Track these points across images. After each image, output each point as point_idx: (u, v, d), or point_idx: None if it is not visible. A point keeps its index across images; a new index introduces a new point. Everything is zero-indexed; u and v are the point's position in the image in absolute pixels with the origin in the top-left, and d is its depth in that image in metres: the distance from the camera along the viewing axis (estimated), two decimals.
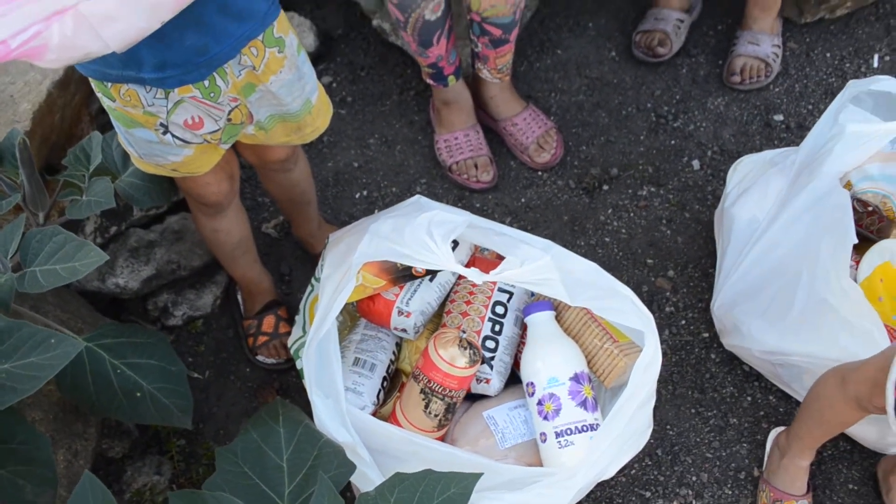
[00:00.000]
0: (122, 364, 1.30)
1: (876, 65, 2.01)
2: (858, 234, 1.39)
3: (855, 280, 1.37)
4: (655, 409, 1.34)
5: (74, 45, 0.82)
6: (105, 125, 1.73)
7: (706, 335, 1.62)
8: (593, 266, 1.29)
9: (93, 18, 0.80)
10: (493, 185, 1.82)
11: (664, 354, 1.59)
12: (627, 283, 1.63)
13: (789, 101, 1.93)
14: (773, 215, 1.43)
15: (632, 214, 1.78)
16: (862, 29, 2.05)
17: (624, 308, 1.26)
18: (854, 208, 1.39)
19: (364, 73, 2.02)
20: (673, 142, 1.87)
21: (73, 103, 1.72)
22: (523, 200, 1.81)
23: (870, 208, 1.42)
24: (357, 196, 1.84)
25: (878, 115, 1.44)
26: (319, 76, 2.00)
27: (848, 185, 1.42)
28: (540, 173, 1.84)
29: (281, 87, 1.22)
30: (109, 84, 1.11)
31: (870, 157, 1.38)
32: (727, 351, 1.57)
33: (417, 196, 1.37)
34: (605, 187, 1.82)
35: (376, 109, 1.96)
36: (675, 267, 1.71)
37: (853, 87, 1.45)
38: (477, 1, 1.57)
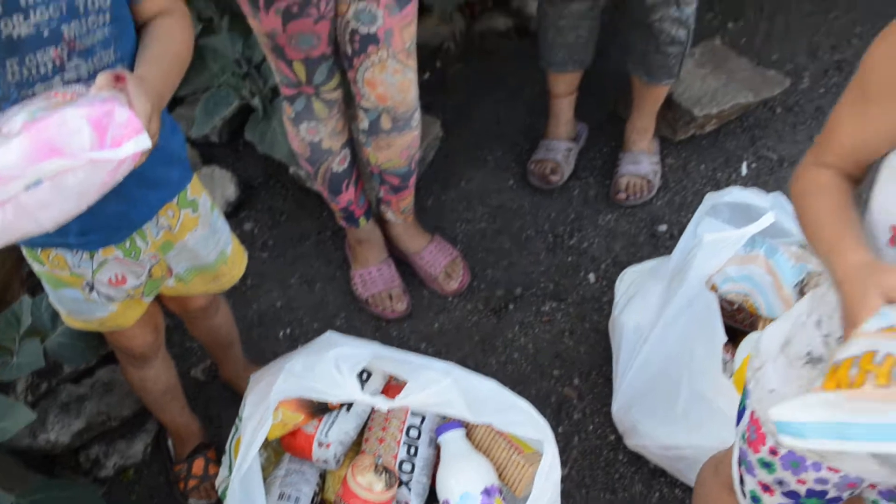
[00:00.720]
0: None
1: (744, 172, 2.24)
2: (734, 329, 1.55)
3: (732, 371, 1.51)
4: None
5: (15, 228, 0.93)
6: (35, 287, 1.83)
7: (612, 437, 1.73)
8: (492, 383, 1.40)
9: (30, 207, 0.92)
10: (407, 314, 1.95)
11: (575, 460, 1.70)
12: (536, 395, 1.77)
13: (671, 212, 2.14)
14: (654, 321, 1.58)
15: (537, 330, 1.92)
16: (730, 141, 2.30)
17: (522, 420, 1.37)
18: (723, 307, 1.56)
19: (283, 218, 2.17)
20: (570, 259, 2.05)
21: (4, 269, 1.81)
22: (437, 326, 1.94)
23: (735, 306, 1.59)
24: (280, 335, 1.95)
25: (734, 221, 1.63)
26: (241, 223, 2.15)
27: (713, 288, 1.59)
28: (450, 299, 1.98)
29: (196, 242, 1.34)
30: (38, 250, 1.22)
31: (728, 260, 1.56)
32: (633, 451, 1.68)
33: (329, 332, 1.48)
34: (511, 306, 1.96)
35: (296, 251, 2.10)
36: (579, 375, 1.84)
37: (709, 199, 1.65)
38: (374, 157, 1.75)
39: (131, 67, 1.08)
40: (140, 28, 1.11)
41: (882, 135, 0.80)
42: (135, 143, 0.90)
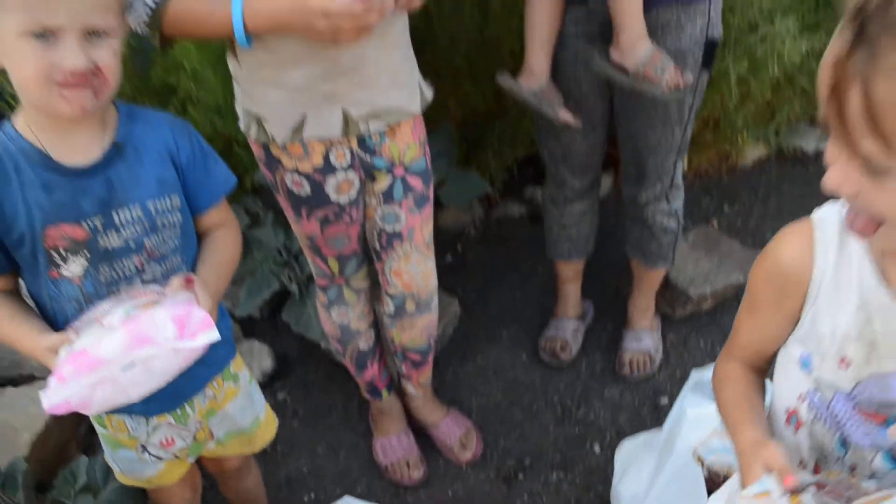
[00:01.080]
0: None
1: None
2: None
3: None
4: None
5: (111, 401, 1.18)
6: (89, 447, 2.03)
7: None
8: None
9: (125, 384, 1.17)
10: (424, 481, 2.09)
11: None
12: None
13: (672, 385, 2.29)
14: (647, 490, 1.71)
15: (545, 499, 2.03)
16: (727, 318, 2.48)
17: None
18: (710, 478, 1.68)
19: (315, 389, 2.37)
20: (577, 430, 2.20)
21: (64, 432, 2.03)
22: (451, 493, 2.07)
23: (721, 477, 1.71)
24: (305, 499, 2.09)
25: None
26: (275, 393, 2.35)
27: (699, 460, 1.72)
28: (464, 468, 2.12)
29: (235, 410, 1.55)
30: (104, 415, 1.43)
31: (711, 433, 1.70)
32: None
33: (346, 497, 1.65)
34: (521, 476, 2.09)
35: (324, 421, 2.28)
36: None
37: (694, 376, 1.82)
38: (398, 336, 1.97)
39: (192, 268, 1.35)
40: (200, 235, 1.39)
41: (770, 335, 1.00)
42: (207, 336, 1.16)
